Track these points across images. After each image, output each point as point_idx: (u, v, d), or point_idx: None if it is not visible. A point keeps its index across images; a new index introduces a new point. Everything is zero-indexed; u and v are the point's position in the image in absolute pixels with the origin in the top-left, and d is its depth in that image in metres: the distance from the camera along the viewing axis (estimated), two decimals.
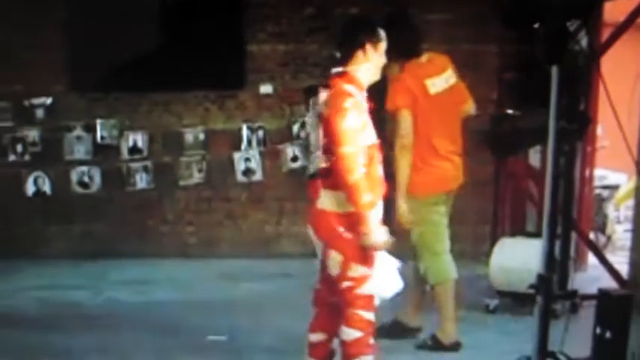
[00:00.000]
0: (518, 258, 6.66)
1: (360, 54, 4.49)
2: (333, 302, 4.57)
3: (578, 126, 6.00)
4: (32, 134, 9.37)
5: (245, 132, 9.41)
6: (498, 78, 8.95)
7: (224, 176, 9.49)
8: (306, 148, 9.13)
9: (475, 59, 9.18)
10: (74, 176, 9.41)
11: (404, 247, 5.93)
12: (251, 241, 9.58)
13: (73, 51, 9.20)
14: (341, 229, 4.38)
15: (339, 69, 4.51)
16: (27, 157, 9.39)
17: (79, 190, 9.44)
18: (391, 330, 5.99)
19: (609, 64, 6.89)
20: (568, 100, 4.46)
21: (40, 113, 9.37)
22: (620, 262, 7.66)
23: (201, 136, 9.44)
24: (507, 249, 7.08)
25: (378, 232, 4.34)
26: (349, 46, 4.52)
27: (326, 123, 4.39)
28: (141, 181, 9.45)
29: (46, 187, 9.44)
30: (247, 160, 9.43)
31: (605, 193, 10.67)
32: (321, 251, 4.56)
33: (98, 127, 9.38)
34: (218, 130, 9.47)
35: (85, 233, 9.56)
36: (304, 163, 9.20)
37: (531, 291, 4.07)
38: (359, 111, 4.36)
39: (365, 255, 4.40)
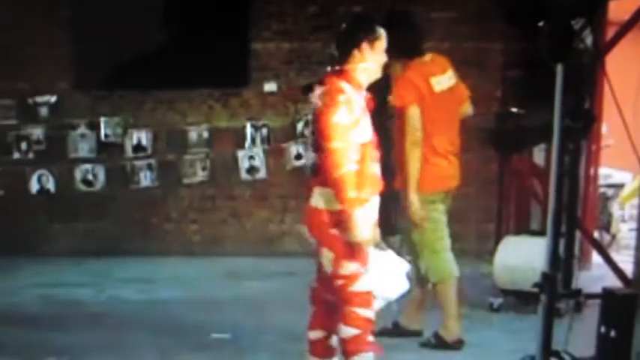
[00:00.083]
0: (522, 256, 6.65)
1: (356, 53, 4.47)
2: (329, 300, 4.57)
3: (582, 124, 5.99)
4: (36, 132, 9.38)
5: (249, 130, 9.41)
6: (502, 76, 8.94)
7: (228, 174, 9.49)
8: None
9: (479, 57, 9.18)
10: (78, 174, 9.42)
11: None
12: (255, 239, 9.58)
13: (77, 49, 9.22)
14: (331, 227, 4.37)
15: (337, 67, 4.50)
16: (31, 155, 9.41)
17: (83, 188, 9.45)
18: (392, 333, 5.98)
19: (614, 62, 6.88)
20: (573, 99, 4.45)
21: (44, 111, 9.38)
22: (625, 260, 7.64)
23: (205, 134, 9.44)
24: (511, 247, 7.06)
25: (364, 229, 4.31)
26: (345, 45, 4.51)
27: (317, 118, 4.40)
28: (145, 179, 9.45)
29: (50, 185, 9.45)
30: (251, 158, 9.43)
31: (610, 191, 10.65)
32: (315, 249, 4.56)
33: (102, 125, 9.39)
34: (222, 128, 9.47)
35: (89, 231, 9.57)
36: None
37: (535, 289, 4.06)
38: (350, 107, 4.34)
39: (354, 252, 4.38)
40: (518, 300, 6.79)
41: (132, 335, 6.24)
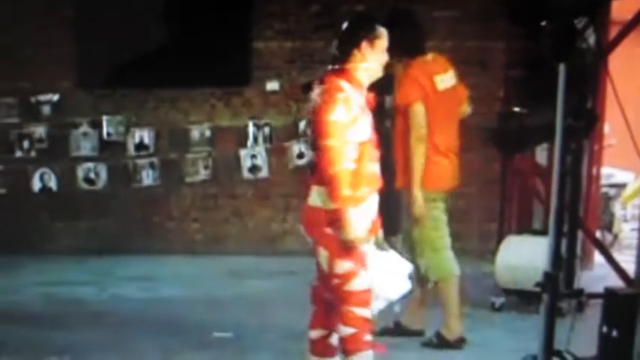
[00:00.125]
0: (524, 256, 6.65)
1: (356, 52, 4.46)
2: (329, 299, 4.56)
3: (585, 124, 5.98)
4: (39, 131, 9.39)
5: (251, 129, 9.42)
6: (505, 75, 8.93)
7: (230, 173, 9.50)
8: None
9: (482, 56, 9.19)
10: (80, 172, 9.43)
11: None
12: (257, 238, 9.58)
13: (79, 48, 9.23)
14: (326, 226, 4.36)
15: (337, 66, 4.49)
16: (33, 154, 9.42)
17: (85, 186, 9.46)
18: (394, 332, 5.99)
19: (617, 62, 6.88)
20: (575, 98, 4.45)
21: (46, 110, 9.39)
22: (627, 260, 7.62)
23: (208, 133, 9.45)
24: (514, 247, 7.06)
25: (357, 228, 4.30)
26: (345, 45, 4.50)
27: (314, 116, 4.40)
28: (147, 177, 9.46)
29: (52, 184, 9.46)
30: (253, 157, 9.43)
31: (612, 191, 10.64)
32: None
33: (104, 124, 9.39)
34: (224, 127, 9.48)
35: (91, 229, 9.58)
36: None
37: (537, 289, 4.06)
38: (348, 106, 4.33)
39: (349, 251, 4.37)
40: (521, 299, 6.79)
41: (134, 334, 6.24)
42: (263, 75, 9.42)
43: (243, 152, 9.43)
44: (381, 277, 4.54)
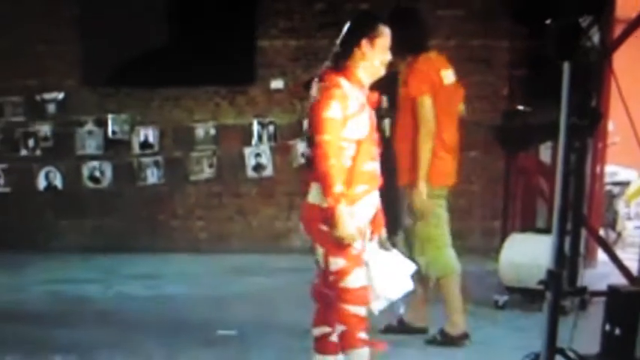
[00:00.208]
0: (528, 254, 6.65)
1: (357, 50, 4.46)
2: (329, 295, 4.56)
3: (589, 122, 5.98)
4: (44, 129, 9.43)
5: (256, 127, 9.43)
6: (509, 73, 8.94)
7: (234, 171, 9.52)
8: None
9: (486, 55, 9.20)
10: (85, 171, 9.46)
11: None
12: (261, 236, 9.60)
13: (84, 46, 9.26)
14: (321, 223, 4.36)
15: (337, 64, 4.48)
16: (38, 152, 9.46)
17: (90, 184, 9.49)
18: (397, 330, 6.00)
19: (621, 60, 6.88)
20: (579, 96, 4.45)
21: (51, 108, 9.42)
22: (630, 258, 7.64)
23: (212, 132, 9.47)
24: (517, 245, 7.07)
25: (348, 225, 4.29)
26: (346, 43, 4.50)
27: (310, 112, 4.41)
28: (152, 175, 9.48)
29: (58, 182, 9.49)
30: (258, 155, 9.45)
31: (616, 189, 10.65)
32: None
33: (109, 122, 9.42)
34: (229, 126, 9.50)
35: (96, 228, 9.60)
36: None
37: (541, 287, 4.06)
38: (344, 103, 4.33)
39: (342, 248, 4.37)
40: (524, 297, 6.80)
41: (139, 331, 6.25)
42: (267, 73, 9.44)
43: (247, 151, 9.45)
44: (383, 276, 4.53)
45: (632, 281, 6.90)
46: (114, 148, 9.49)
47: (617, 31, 7.77)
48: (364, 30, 4.49)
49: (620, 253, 7.99)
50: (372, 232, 4.58)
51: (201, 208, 9.66)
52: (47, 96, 9.40)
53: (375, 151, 4.50)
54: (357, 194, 4.36)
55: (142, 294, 7.64)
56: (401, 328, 6.06)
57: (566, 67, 3.99)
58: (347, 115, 4.33)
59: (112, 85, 9.44)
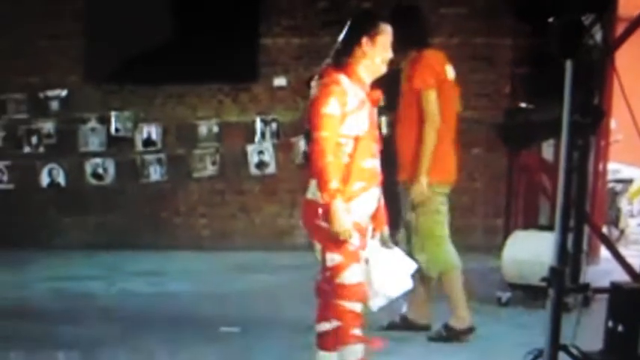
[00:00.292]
0: (530, 251, 6.66)
1: (357, 48, 4.47)
2: (330, 291, 4.57)
3: (591, 120, 6.02)
4: (47, 126, 9.44)
5: (259, 125, 9.44)
6: (512, 71, 8.95)
7: (237, 169, 9.53)
8: None
9: (488, 53, 9.21)
10: (88, 168, 9.48)
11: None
12: (264, 233, 9.61)
13: (88, 43, 9.27)
14: (319, 218, 4.37)
15: (338, 61, 4.49)
16: (42, 149, 9.47)
17: (93, 181, 9.50)
18: (400, 327, 6.00)
19: (623, 58, 6.88)
20: (582, 94, 4.46)
21: (54, 105, 9.44)
22: (633, 255, 7.66)
23: (215, 129, 9.48)
24: (520, 242, 7.07)
25: (343, 221, 4.29)
26: (347, 41, 4.50)
27: (308, 108, 4.42)
28: (155, 173, 9.50)
29: (61, 179, 9.51)
30: (261, 152, 9.46)
31: (619, 186, 10.66)
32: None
33: (112, 120, 9.44)
34: (232, 123, 9.51)
35: (99, 225, 9.62)
36: None
37: (543, 284, 4.07)
38: (343, 100, 4.33)
39: (338, 244, 4.37)
40: (527, 294, 6.80)
41: (142, 328, 6.26)
42: (270, 71, 9.45)
43: (250, 148, 9.46)
44: (383, 273, 4.53)
45: (634, 278, 6.91)
46: (117, 145, 9.51)
47: (620, 29, 7.77)
48: (365, 28, 4.49)
49: (623, 250, 8.01)
50: (374, 230, 4.58)
51: (204, 205, 9.67)
52: (50, 93, 9.41)
53: (375, 148, 4.50)
54: (354, 191, 4.36)
55: (144, 291, 7.65)
56: (404, 325, 6.07)
57: (568, 64, 4.00)
58: (345, 111, 4.34)
59: (115, 83, 9.46)
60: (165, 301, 7.30)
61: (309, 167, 4.43)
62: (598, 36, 5.75)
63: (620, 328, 4.64)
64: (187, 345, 5.85)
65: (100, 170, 9.49)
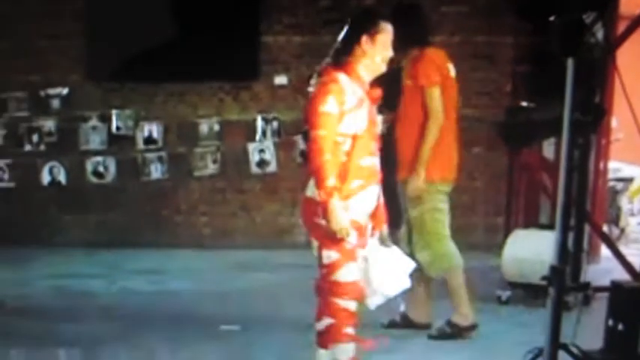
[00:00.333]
0: (531, 249, 6.66)
1: (357, 47, 4.46)
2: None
3: (592, 118, 6.02)
4: (48, 124, 9.45)
5: (260, 123, 9.44)
6: (513, 70, 8.95)
7: (238, 167, 9.53)
8: None
9: (490, 51, 9.21)
10: (89, 166, 9.48)
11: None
12: (265, 232, 9.61)
13: (89, 41, 9.27)
14: (317, 216, 4.37)
15: (337, 59, 4.48)
16: (42, 147, 9.47)
17: (94, 180, 9.50)
18: (401, 325, 6.01)
19: (625, 56, 6.89)
20: (583, 93, 4.45)
21: (55, 103, 9.44)
22: (633, 254, 7.66)
23: (216, 127, 9.48)
24: (520, 240, 7.08)
25: (341, 219, 4.29)
26: (347, 39, 4.50)
27: (307, 106, 4.42)
28: (156, 171, 9.50)
29: (62, 177, 9.51)
30: (261, 151, 9.46)
31: (619, 185, 10.66)
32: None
33: (113, 118, 9.44)
34: (233, 121, 9.51)
35: (100, 223, 9.62)
36: None
37: (544, 283, 4.07)
38: (341, 98, 4.32)
39: (335, 241, 4.36)
40: (527, 293, 6.80)
41: (142, 326, 6.26)
42: (271, 69, 9.45)
43: (251, 146, 9.46)
44: (382, 272, 4.53)
45: (635, 277, 6.92)
46: (118, 143, 9.51)
47: (621, 27, 7.77)
48: (365, 26, 4.49)
49: (623, 249, 8.01)
50: (373, 228, 4.58)
51: (205, 203, 9.67)
52: (51, 91, 9.41)
53: (374, 146, 4.50)
54: (352, 189, 4.36)
55: (145, 289, 7.66)
56: (404, 323, 6.07)
57: (569, 63, 3.99)
58: (344, 110, 4.33)
59: (116, 81, 9.46)
60: (166, 299, 7.30)
61: (307, 165, 4.43)
62: (599, 34, 5.75)
63: (620, 326, 4.64)
64: (188, 343, 5.86)
65: (101, 168, 9.49)
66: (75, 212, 9.61)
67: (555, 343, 4.05)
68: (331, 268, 4.39)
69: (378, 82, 4.57)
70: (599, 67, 6.39)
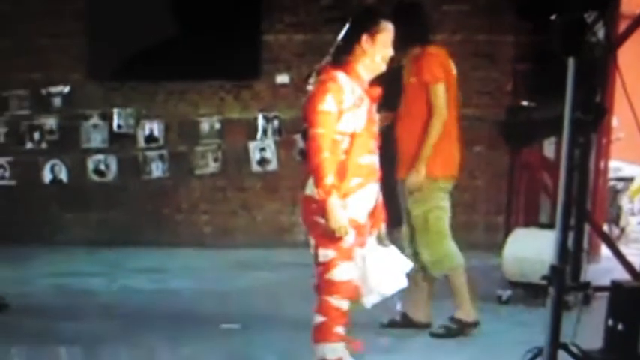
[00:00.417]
0: (531, 249, 6.66)
1: (357, 46, 4.46)
2: None
3: (593, 117, 6.01)
4: (49, 122, 9.46)
5: (260, 122, 9.45)
6: (513, 69, 8.95)
7: (239, 166, 9.53)
8: None
9: (490, 50, 9.21)
10: (90, 164, 9.49)
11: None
12: (265, 230, 9.62)
13: (90, 40, 9.28)
14: (316, 214, 4.37)
15: (337, 58, 4.48)
16: (44, 145, 9.49)
17: (95, 178, 9.52)
18: (401, 325, 6.02)
19: (626, 56, 6.89)
20: (584, 92, 4.45)
21: (57, 102, 9.46)
22: (633, 254, 7.66)
23: (217, 126, 9.49)
24: (521, 240, 7.08)
25: (339, 217, 4.29)
26: (347, 39, 4.50)
27: (305, 104, 4.42)
28: (157, 169, 9.51)
29: (63, 175, 9.52)
30: (262, 149, 9.46)
31: (620, 185, 10.67)
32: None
33: (115, 116, 9.45)
34: (234, 120, 9.52)
35: (101, 221, 9.63)
36: None
37: (544, 282, 4.07)
38: (339, 97, 4.32)
39: (332, 240, 4.36)
40: (527, 292, 6.80)
41: (143, 325, 6.27)
42: (273, 68, 9.45)
43: (252, 145, 9.47)
44: (379, 271, 4.53)
45: (635, 276, 6.92)
46: (119, 141, 9.52)
47: (622, 26, 7.77)
48: (365, 26, 4.48)
49: (624, 249, 8.01)
50: (372, 227, 4.57)
51: (206, 202, 9.68)
52: (53, 89, 9.43)
53: (373, 144, 4.49)
54: (350, 187, 4.36)
55: (146, 287, 7.67)
56: (404, 322, 6.07)
57: (570, 62, 3.99)
58: (342, 108, 4.33)
59: (118, 79, 9.47)
60: (167, 297, 7.31)
61: (306, 164, 4.43)
62: (600, 33, 5.73)
63: (620, 326, 4.64)
64: (188, 341, 5.86)
65: (102, 167, 9.50)
66: (76, 210, 9.62)
67: (555, 342, 4.05)
68: (327, 266, 4.39)
69: (378, 80, 4.57)
70: (600, 67, 6.39)
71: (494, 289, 7.04)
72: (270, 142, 9.46)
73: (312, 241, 4.44)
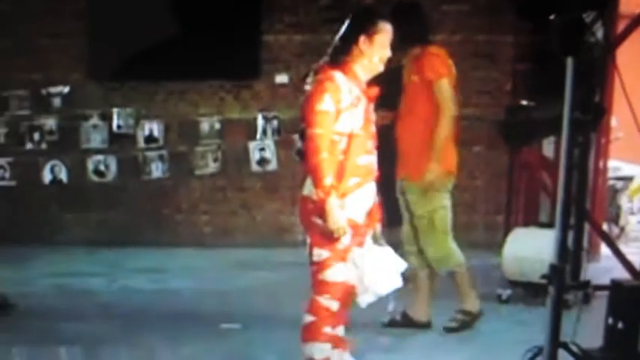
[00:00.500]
0: (531, 248, 6.67)
1: (354, 48, 4.45)
2: None
3: (592, 117, 6.01)
4: (49, 123, 9.46)
5: (260, 121, 9.45)
6: (513, 68, 8.95)
7: (239, 166, 9.54)
8: None
9: (490, 49, 9.22)
10: (90, 165, 9.49)
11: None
12: (265, 230, 9.62)
13: (90, 40, 9.28)
14: (313, 215, 4.37)
15: (335, 58, 4.48)
16: (44, 146, 9.49)
17: (95, 178, 9.52)
18: (401, 324, 6.02)
19: (625, 55, 6.89)
20: (583, 92, 4.45)
21: (57, 102, 9.46)
22: (633, 252, 7.66)
23: (217, 126, 9.49)
24: (520, 239, 7.09)
25: (338, 218, 4.29)
26: (345, 39, 4.49)
27: (302, 104, 4.42)
28: (156, 170, 9.51)
29: (63, 176, 9.52)
30: (262, 149, 9.47)
31: (619, 184, 10.68)
32: None
33: (114, 116, 9.45)
34: (233, 120, 9.52)
35: (101, 221, 9.63)
36: None
37: (544, 281, 4.08)
38: (337, 97, 4.32)
39: (329, 240, 4.36)
40: (527, 291, 6.81)
41: (143, 325, 6.27)
42: (272, 68, 9.46)
43: (252, 145, 9.47)
44: (373, 271, 4.53)
45: (635, 275, 6.92)
46: (119, 142, 9.52)
47: (621, 26, 7.77)
48: (363, 26, 4.46)
49: (623, 248, 8.01)
50: (367, 226, 4.58)
51: (206, 202, 9.68)
52: (53, 90, 9.43)
53: (370, 144, 4.49)
54: (348, 187, 4.36)
55: (146, 288, 7.67)
56: (405, 322, 6.08)
57: (569, 62, 3.99)
58: (340, 108, 4.33)
59: (117, 79, 9.47)
60: (167, 297, 7.32)
61: (304, 164, 4.44)
62: (599, 33, 5.75)
63: (620, 325, 4.65)
64: (188, 341, 5.87)
65: (102, 167, 9.50)
66: (76, 211, 9.63)
67: (555, 341, 4.06)
68: (320, 266, 4.39)
69: (377, 80, 4.57)
70: (599, 66, 6.40)
71: (494, 289, 7.04)
72: (269, 142, 9.47)
73: (308, 240, 4.45)
